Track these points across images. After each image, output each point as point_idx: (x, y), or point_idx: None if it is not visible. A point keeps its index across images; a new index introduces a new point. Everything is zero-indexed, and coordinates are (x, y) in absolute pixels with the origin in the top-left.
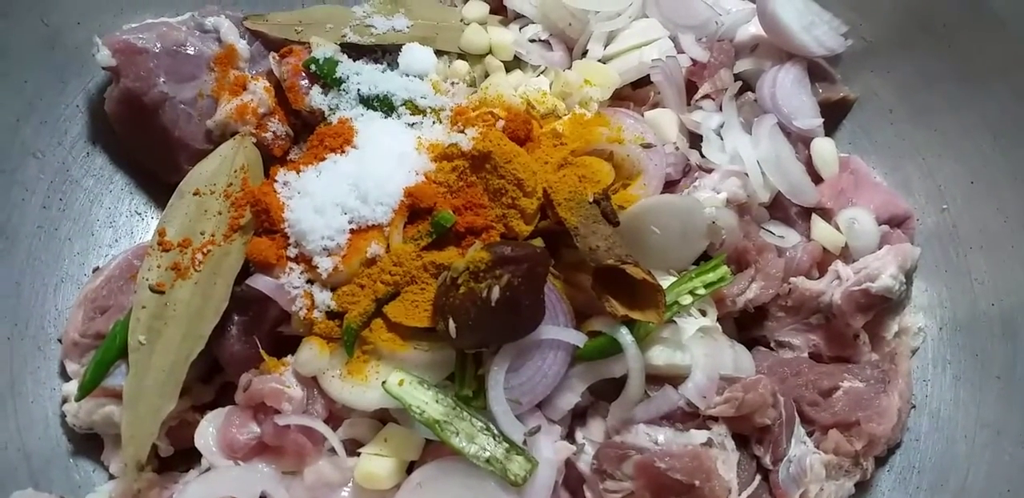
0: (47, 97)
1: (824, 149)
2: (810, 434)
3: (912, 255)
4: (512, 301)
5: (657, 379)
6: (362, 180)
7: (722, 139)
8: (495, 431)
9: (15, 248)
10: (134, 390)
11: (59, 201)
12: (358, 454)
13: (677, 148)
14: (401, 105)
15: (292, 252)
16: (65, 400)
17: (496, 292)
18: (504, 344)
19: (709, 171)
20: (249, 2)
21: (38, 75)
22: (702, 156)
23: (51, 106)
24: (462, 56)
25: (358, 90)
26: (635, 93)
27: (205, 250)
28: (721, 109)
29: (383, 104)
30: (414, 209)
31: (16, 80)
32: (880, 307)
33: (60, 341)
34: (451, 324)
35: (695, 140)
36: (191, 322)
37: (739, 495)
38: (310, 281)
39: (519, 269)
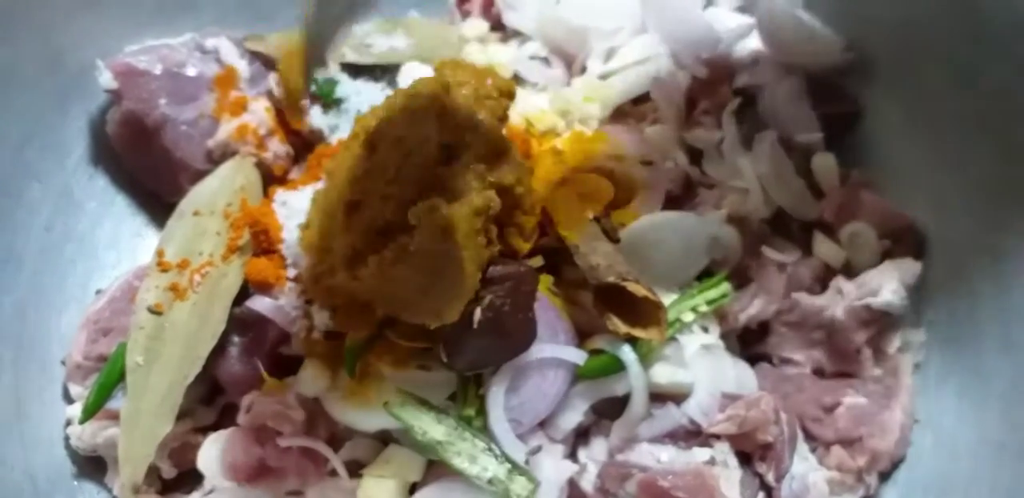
0: (50, 120)
1: (825, 164)
2: (813, 450)
3: (914, 270)
4: (496, 322)
5: (659, 397)
6: None
7: (722, 155)
8: (497, 451)
9: (19, 271)
10: (131, 412)
11: (62, 224)
12: (360, 475)
13: (677, 164)
14: None
15: (291, 272)
16: (69, 422)
17: (478, 314)
18: (500, 364)
19: (710, 187)
20: (249, 23)
21: (41, 99)
22: (702, 172)
23: (54, 129)
24: None
25: (358, 110)
26: (635, 109)
27: (203, 271)
28: (721, 125)
29: None
30: None
31: (19, 105)
32: (882, 322)
33: (64, 363)
34: (441, 349)
35: (695, 156)
36: (188, 344)
37: None
38: (309, 301)
39: (501, 289)
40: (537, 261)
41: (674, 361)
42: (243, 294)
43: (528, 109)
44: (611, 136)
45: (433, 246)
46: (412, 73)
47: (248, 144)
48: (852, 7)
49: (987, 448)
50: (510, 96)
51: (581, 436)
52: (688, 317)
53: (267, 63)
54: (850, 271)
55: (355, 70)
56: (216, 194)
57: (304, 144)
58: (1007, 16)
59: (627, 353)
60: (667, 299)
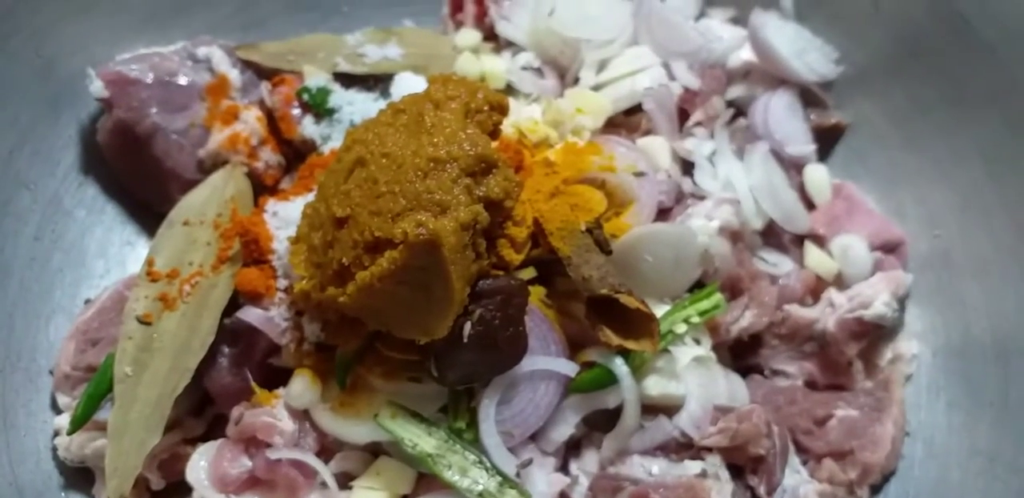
0: (40, 128)
1: (817, 175)
2: (804, 463)
3: (905, 282)
4: (487, 336)
5: (651, 409)
6: None
7: (714, 166)
8: (488, 464)
9: (8, 280)
10: (119, 422)
11: (51, 232)
12: (350, 487)
13: (669, 176)
14: None
15: (282, 283)
16: (56, 433)
17: (468, 328)
18: (490, 379)
19: (702, 198)
20: (241, 31)
21: (31, 107)
22: (694, 183)
23: (44, 137)
24: None
25: (351, 120)
26: (627, 120)
27: (193, 281)
28: (713, 136)
29: None
30: None
31: (10, 112)
32: (874, 334)
33: (52, 373)
34: (432, 363)
35: (687, 167)
36: (177, 355)
37: None
38: (300, 313)
39: (491, 303)
40: (529, 272)
41: (666, 373)
42: (233, 305)
43: (521, 120)
44: (603, 147)
45: (419, 262)
46: (405, 83)
47: (239, 153)
48: (843, 20)
49: (978, 460)
50: (502, 111)
51: (572, 448)
52: (680, 328)
53: (259, 72)
54: (842, 283)
55: (348, 80)
56: (206, 204)
57: (296, 154)
58: (994, 28)
59: (619, 366)
60: (659, 311)
